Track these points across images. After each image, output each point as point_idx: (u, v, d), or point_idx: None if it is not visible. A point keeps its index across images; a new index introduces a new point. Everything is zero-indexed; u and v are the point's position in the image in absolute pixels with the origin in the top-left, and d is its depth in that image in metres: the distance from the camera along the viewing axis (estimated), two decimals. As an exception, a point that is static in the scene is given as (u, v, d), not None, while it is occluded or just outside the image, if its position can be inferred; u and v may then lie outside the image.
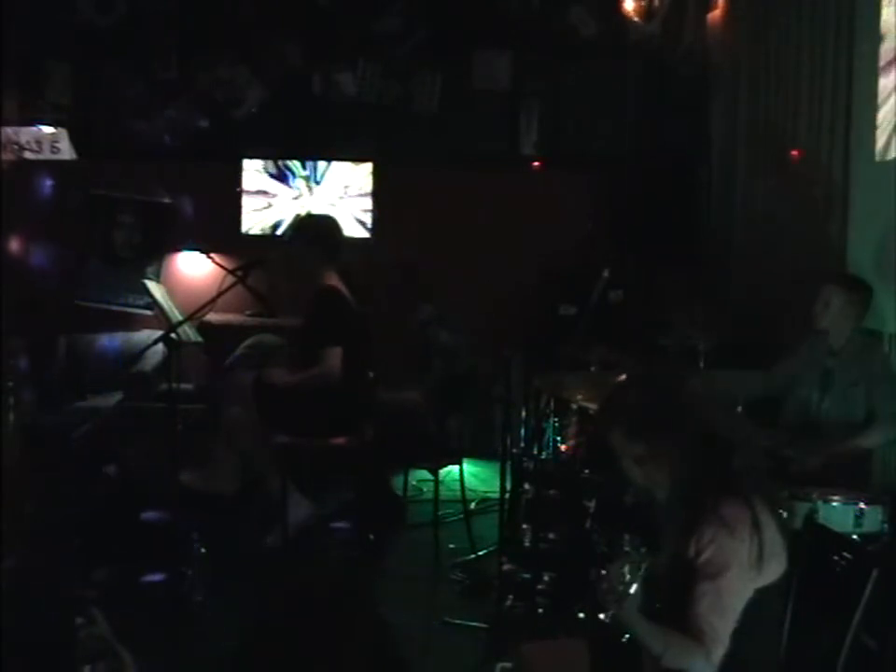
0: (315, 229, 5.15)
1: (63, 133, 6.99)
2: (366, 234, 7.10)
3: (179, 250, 6.99)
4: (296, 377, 4.88)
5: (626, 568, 2.50)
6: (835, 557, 3.07)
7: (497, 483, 4.62)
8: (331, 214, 6.71)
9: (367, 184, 7.10)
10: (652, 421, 2.65)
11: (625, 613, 2.51)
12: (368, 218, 7.12)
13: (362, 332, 4.99)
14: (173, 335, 4.65)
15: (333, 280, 4.94)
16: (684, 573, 2.52)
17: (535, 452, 4.50)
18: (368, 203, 7.10)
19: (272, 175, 7.09)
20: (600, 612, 2.55)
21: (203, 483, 5.36)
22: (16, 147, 6.82)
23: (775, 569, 2.59)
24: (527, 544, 4.29)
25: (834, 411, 4.48)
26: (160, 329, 5.05)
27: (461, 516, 5.40)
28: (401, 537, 5.24)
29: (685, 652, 2.49)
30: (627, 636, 2.71)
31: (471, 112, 7.48)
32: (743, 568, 2.50)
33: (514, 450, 4.75)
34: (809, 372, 4.62)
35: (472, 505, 5.71)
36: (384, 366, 5.29)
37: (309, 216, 6.53)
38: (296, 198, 7.09)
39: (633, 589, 2.48)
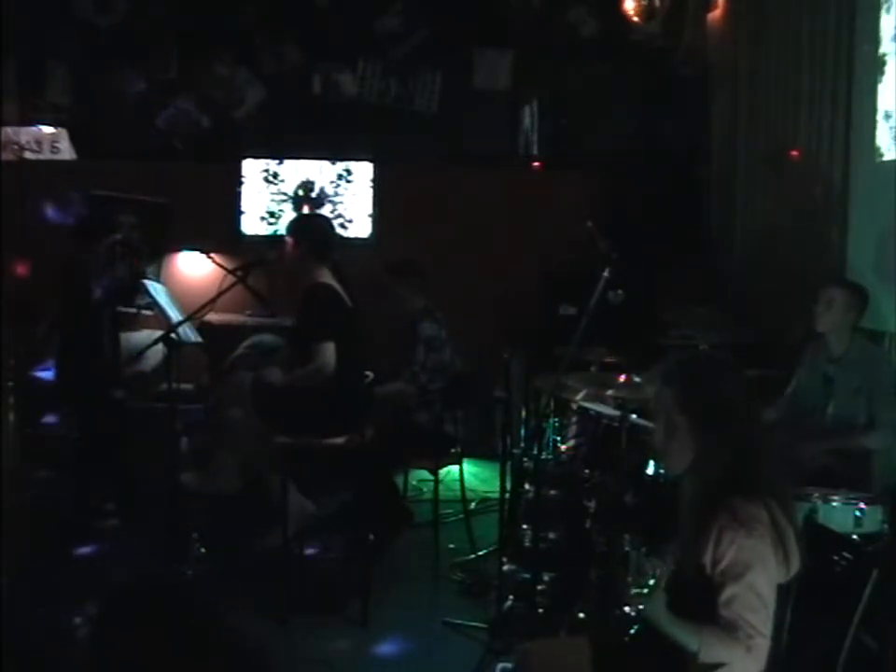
0: (308, 228, 5.16)
1: (63, 133, 6.99)
2: (365, 234, 7.10)
3: (179, 250, 6.99)
4: (292, 376, 4.89)
5: (654, 561, 2.52)
6: (835, 557, 3.08)
7: (497, 483, 4.62)
8: (325, 214, 6.79)
9: (367, 184, 7.09)
10: (712, 405, 2.62)
11: (655, 611, 2.52)
12: (368, 218, 7.11)
13: (357, 330, 4.99)
14: (173, 335, 4.65)
15: (326, 278, 4.94)
16: (705, 579, 2.51)
17: (535, 452, 4.49)
18: (368, 202, 7.10)
19: (271, 175, 7.09)
20: (625, 605, 2.57)
21: (204, 483, 5.36)
22: (16, 147, 6.81)
23: (795, 566, 2.59)
24: (527, 544, 4.28)
25: (837, 416, 4.49)
26: (160, 329, 5.05)
27: (461, 516, 5.41)
28: (402, 537, 5.24)
29: (721, 645, 2.48)
30: (631, 632, 2.72)
31: (471, 112, 7.48)
32: (768, 565, 2.50)
33: (514, 450, 4.74)
34: (811, 378, 4.63)
35: (472, 505, 5.71)
36: (376, 361, 5.31)
37: (302, 215, 6.56)
38: (295, 198, 7.09)
39: (662, 579, 2.49)
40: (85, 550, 4.98)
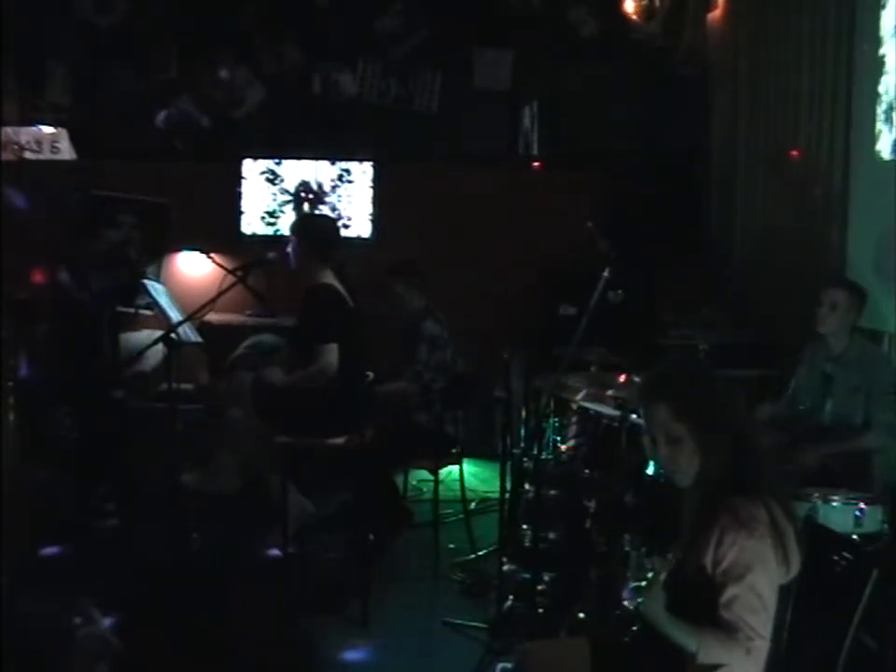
0: (311, 228, 5.18)
1: (63, 133, 6.99)
2: (366, 234, 7.10)
3: (179, 250, 6.99)
4: (294, 376, 4.89)
5: (654, 558, 2.52)
6: (835, 557, 3.08)
7: (497, 483, 4.62)
8: (328, 214, 6.79)
9: (367, 184, 7.09)
10: (703, 406, 2.63)
11: (654, 611, 2.52)
12: (368, 218, 7.11)
13: (358, 331, 4.99)
14: (173, 335, 4.65)
15: (328, 278, 4.95)
16: (705, 579, 2.52)
17: (535, 452, 4.50)
18: (368, 202, 7.10)
19: (271, 175, 7.09)
20: (625, 600, 2.57)
21: (204, 483, 5.37)
22: (16, 147, 6.81)
23: (795, 567, 2.59)
24: (527, 544, 4.28)
25: (835, 415, 4.50)
26: (160, 329, 5.05)
27: (461, 516, 5.41)
28: (402, 537, 5.23)
29: (721, 647, 2.48)
30: (631, 632, 2.72)
31: (471, 112, 7.48)
32: (769, 566, 2.50)
33: (514, 450, 4.75)
34: (811, 377, 4.64)
35: (472, 505, 5.71)
36: (376, 361, 5.32)
37: (306, 216, 6.56)
38: (295, 198, 7.09)
39: (661, 577, 2.49)
40: (84, 549, 4.98)
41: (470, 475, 5.97)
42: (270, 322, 6.50)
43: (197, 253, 6.84)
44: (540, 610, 4.14)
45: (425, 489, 5.97)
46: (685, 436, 2.61)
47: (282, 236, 6.36)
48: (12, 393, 4.79)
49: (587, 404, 4.50)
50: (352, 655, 4.18)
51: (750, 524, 2.49)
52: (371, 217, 7.09)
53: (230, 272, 5.55)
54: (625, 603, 2.61)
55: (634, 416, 4.13)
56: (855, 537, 3.60)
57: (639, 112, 7.52)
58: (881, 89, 5.16)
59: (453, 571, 4.97)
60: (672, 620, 2.52)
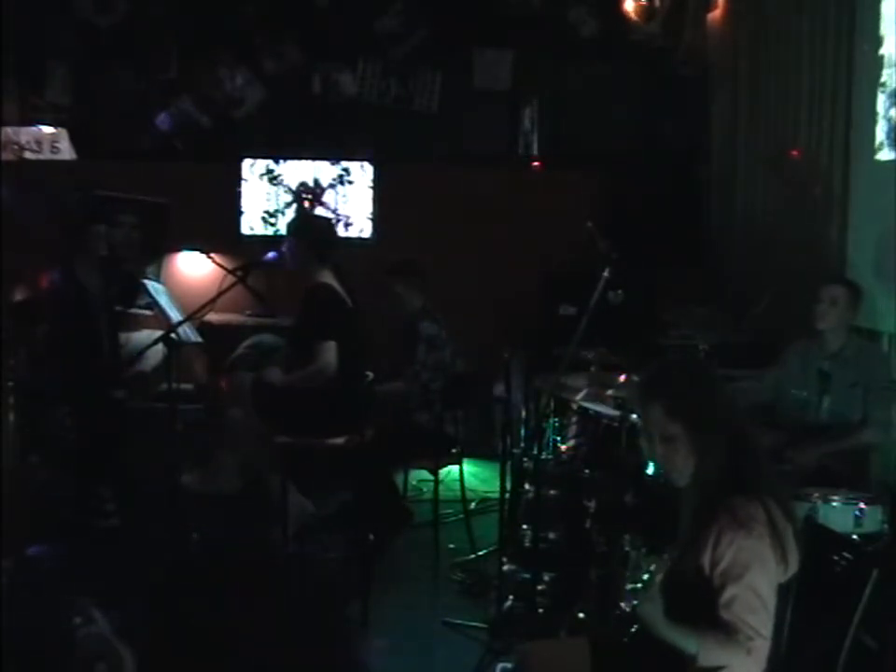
0: (309, 228, 5.18)
1: (63, 133, 6.99)
2: (366, 234, 7.10)
3: (179, 250, 6.99)
4: (294, 376, 4.89)
5: (651, 559, 2.52)
6: (835, 557, 3.08)
7: (497, 483, 4.62)
8: (326, 214, 6.80)
9: (367, 184, 7.09)
10: (699, 405, 2.63)
11: (651, 616, 2.52)
12: (368, 218, 7.11)
13: (357, 331, 5.00)
14: (173, 335, 4.65)
15: (327, 278, 4.95)
16: (703, 580, 2.51)
17: (535, 452, 4.50)
18: (368, 202, 7.10)
19: (271, 175, 7.09)
20: (621, 602, 2.57)
21: (204, 483, 5.37)
22: (16, 147, 6.82)
23: (794, 566, 2.59)
24: (527, 544, 4.28)
25: (833, 412, 4.50)
26: (160, 329, 5.05)
27: (461, 516, 5.41)
28: (402, 537, 5.24)
29: (721, 649, 2.48)
30: (631, 632, 2.72)
31: (471, 112, 7.49)
32: (767, 565, 2.50)
33: (514, 450, 4.75)
34: (806, 375, 4.63)
35: (472, 505, 5.71)
36: (376, 361, 5.32)
37: (303, 216, 6.56)
38: (295, 198, 7.09)
39: (657, 578, 2.49)
40: (84, 549, 4.97)
41: (470, 475, 5.97)
42: (270, 322, 6.50)
43: (197, 253, 6.84)
44: (540, 610, 4.14)
45: (425, 489, 5.97)
46: (680, 435, 2.61)
47: (282, 236, 6.36)
48: (12, 393, 4.79)
49: (587, 404, 4.50)
50: (352, 655, 4.18)
51: (748, 523, 2.49)
52: (371, 217, 7.09)
53: (230, 272, 5.55)
54: (623, 605, 2.60)
55: (634, 416, 4.12)
56: (855, 537, 3.60)
57: (639, 112, 7.52)
58: (883, 78, 5.15)
59: (453, 571, 4.97)
60: (670, 624, 2.52)
